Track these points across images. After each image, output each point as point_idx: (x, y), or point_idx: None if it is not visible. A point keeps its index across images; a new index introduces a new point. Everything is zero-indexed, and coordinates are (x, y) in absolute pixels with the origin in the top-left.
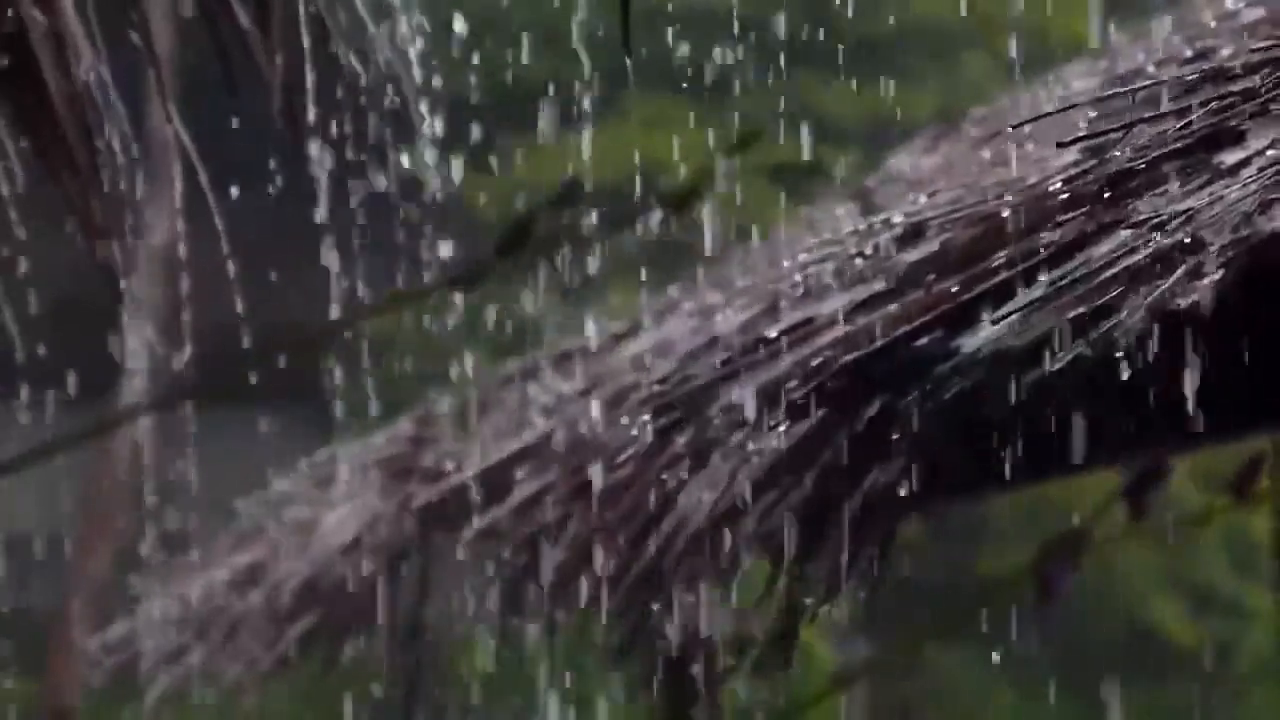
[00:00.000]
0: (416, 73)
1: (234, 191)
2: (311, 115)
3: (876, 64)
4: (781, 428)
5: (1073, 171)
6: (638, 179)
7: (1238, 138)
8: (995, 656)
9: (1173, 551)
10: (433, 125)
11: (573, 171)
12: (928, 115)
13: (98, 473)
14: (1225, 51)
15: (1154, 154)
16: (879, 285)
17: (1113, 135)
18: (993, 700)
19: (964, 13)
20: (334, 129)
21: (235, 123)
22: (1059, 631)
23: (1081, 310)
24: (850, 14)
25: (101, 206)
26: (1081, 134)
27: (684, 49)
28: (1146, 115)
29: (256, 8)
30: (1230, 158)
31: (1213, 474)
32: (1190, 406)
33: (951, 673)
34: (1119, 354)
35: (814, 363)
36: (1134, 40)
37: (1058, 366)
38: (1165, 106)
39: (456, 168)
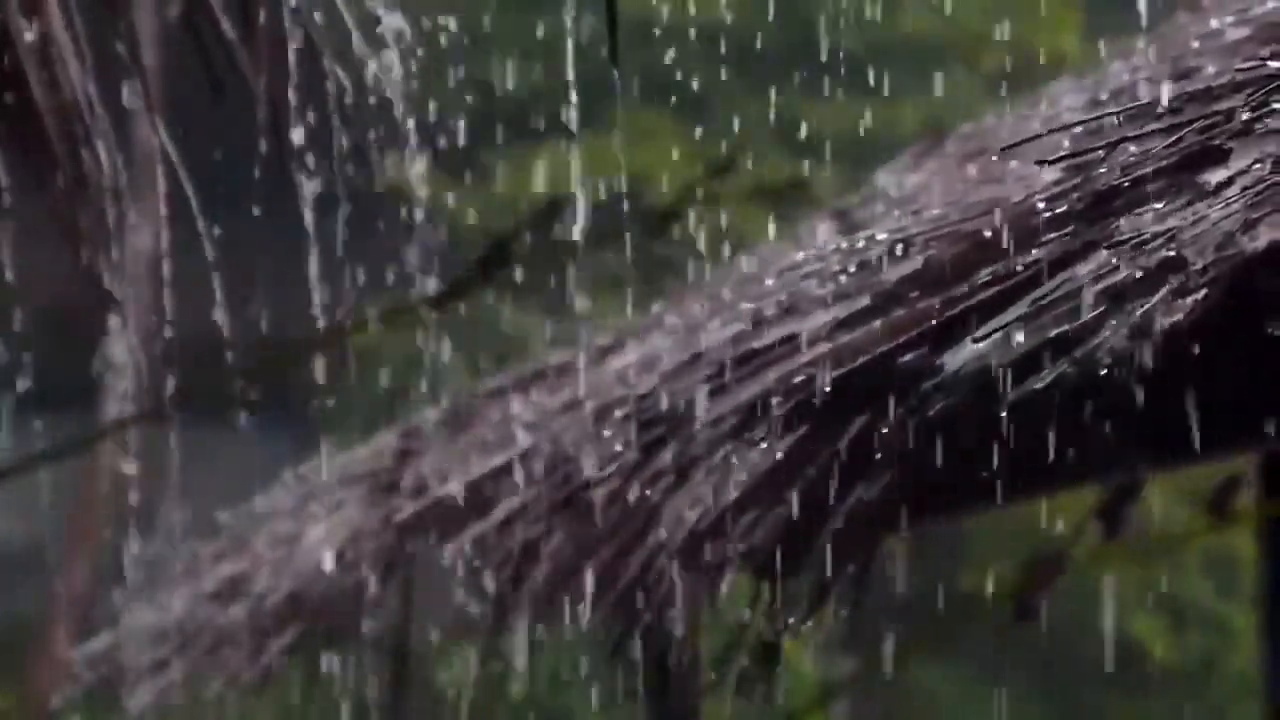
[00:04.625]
0: (402, 85)
1: (219, 202)
2: (297, 127)
3: (861, 79)
4: (765, 444)
5: (1056, 190)
6: (624, 193)
7: (1221, 157)
8: (976, 671)
9: (1155, 569)
10: (418, 138)
11: (559, 184)
12: (912, 131)
13: (81, 484)
14: (1210, 71)
15: (1138, 173)
16: (863, 302)
17: (1097, 154)
18: (975, 715)
19: (949, 29)
20: (319, 140)
21: (220, 134)
22: (1041, 646)
23: (1064, 329)
24: (836, 30)
25: (87, 216)
26: (1065, 152)
27: (671, 64)
28: (1130, 134)
29: (242, 20)
30: (1214, 177)
31: (1194, 492)
32: (1173, 424)
33: (933, 687)
34: (1101, 372)
35: (798, 379)
36: (1119, 59)
37: (1041, 385)
38: (1149, 126)
39: (442, 180)
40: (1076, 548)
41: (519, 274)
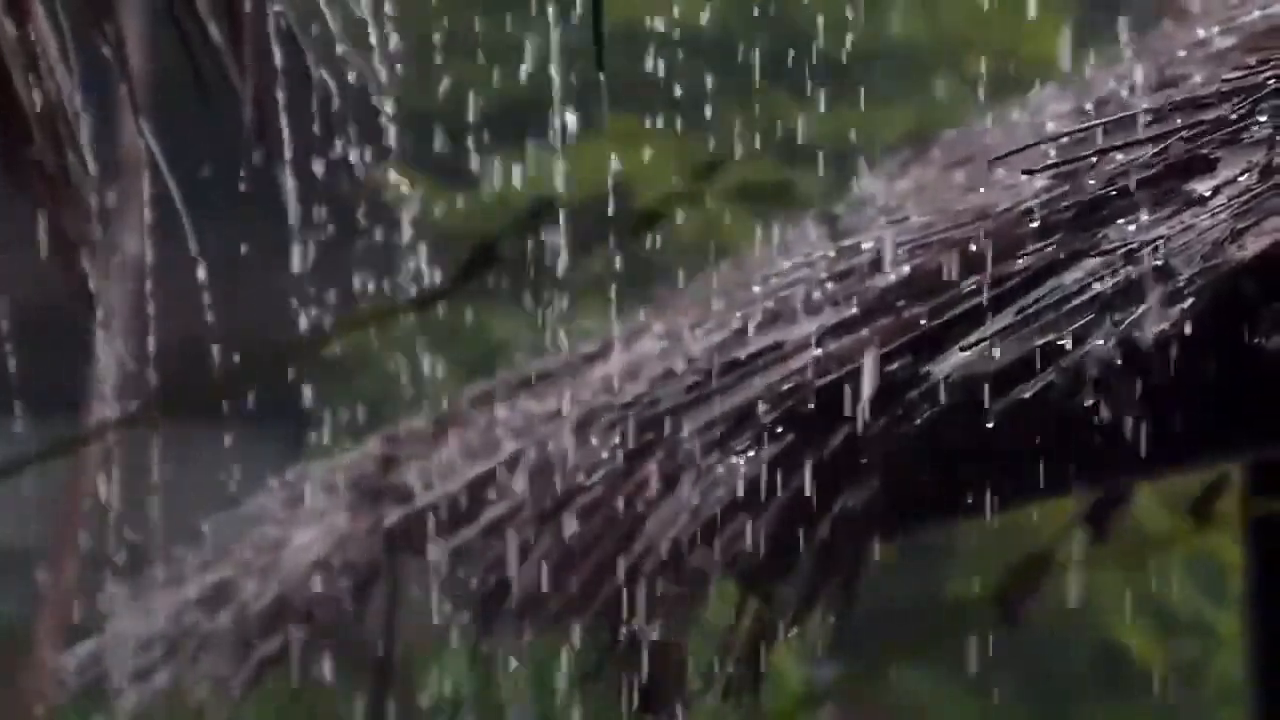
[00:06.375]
0: (389, 89)
1: (205, 206)
2: (283, 130)
3: (848, 85)
4: (751, 451)
5: (1043, 198)
6: (610, 197)
7: (1209, 166)
8: (963, 678)
9: (1141, 573)
10: (404, 141)
11: (544, 190)
12: (898, 137)
13: (67, 488)
14: (1197, 79)
15: (1124, 182)
16: (849, 310)
17: (1083, 163)
18: None
19: (936, 35)
20: (305, 144)
21: (206, 137)
22: (1027, 652)
23: (1051, 338)
24: (821, 35)
25: (72, 219)
26: (1052, 161)
27: (657, 68)
28: (1117, 143)
29: (228, 22)
30: (1201, 186)
31: (1177, 495)
32: (1159, 433)
33: (920, 694)
34: (1088, 381)
35: (784, 387)
36: (1105, 67)
37: (1027, 394)
38: (1136, 134)
39: (427, 184)
40: (1062, 550)
41: (505, 278)
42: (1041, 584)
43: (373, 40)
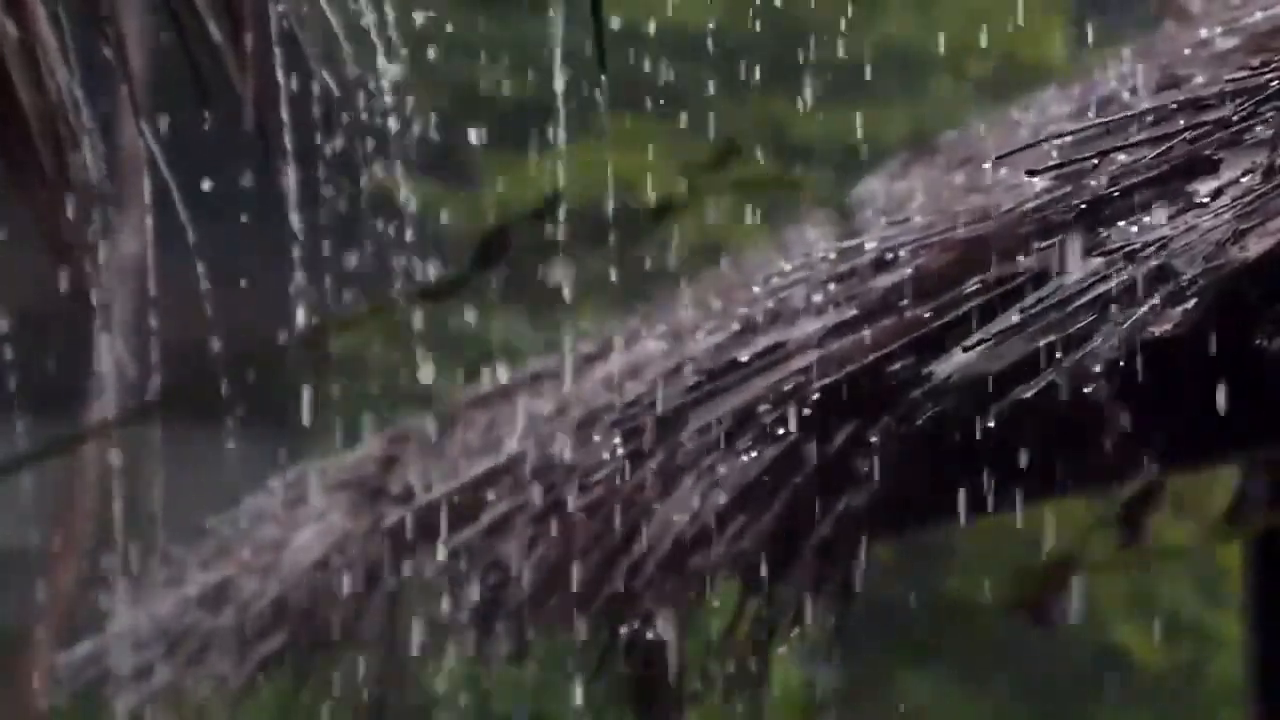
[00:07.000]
0: (390, 89)
1: (205, 206)
2: (284, 130)
3: (848, 87)
4: (753, 451)
5: (1046, 199)
6: (610, 198)
7: (1211, 167)
8: (963, 678)
9: (1141, 576)
10: (405, 141)
11: (544, 189)
12: (898, 138)
13: (66, 488)
14: (1199, 80)
15: (1127, 182)
16: (851, 310)
17: (1086, 164)
18: None
19: (934, 36)
20: (306, 144)
21: (207, 137)
22: (1027, 652)
23: (1054, 338)
24: (821, 37)
25: (71, 220)
26: (1055, 161)
27: (657, 70)
28: (1120, 144)
29: (229, 22)
30: (1204, 187)
31: (1183, 496)
32: (1160, 435)
33: (920, 696)
34: (1091, 382)
35: (786, 387)
36: (1107, 68)
37: (1030, 394)
38: (1139, 135)
39: (428, 183)
40: (1086, 551)
41: (509, 275)
42: (1068, 584)
43: (375, 39)
